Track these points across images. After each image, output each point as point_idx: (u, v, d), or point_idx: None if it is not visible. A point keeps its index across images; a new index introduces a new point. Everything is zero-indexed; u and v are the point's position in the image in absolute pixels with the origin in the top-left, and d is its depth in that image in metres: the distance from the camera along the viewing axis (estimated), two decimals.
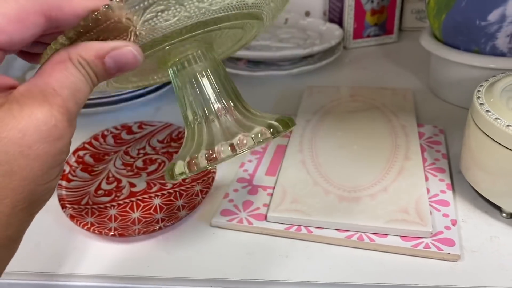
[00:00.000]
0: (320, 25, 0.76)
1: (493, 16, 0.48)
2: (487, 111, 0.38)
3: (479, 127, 0.39)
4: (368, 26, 0.75)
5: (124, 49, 0.25)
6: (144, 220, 0.41)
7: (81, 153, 0.50)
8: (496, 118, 0.37)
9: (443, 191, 0.41)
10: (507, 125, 0.36)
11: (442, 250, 0.35)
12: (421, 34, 0.60)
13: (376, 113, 0.53)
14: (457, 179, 0.44)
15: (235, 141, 0.30)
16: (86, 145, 0.51)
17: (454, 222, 0.38)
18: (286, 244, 0.38)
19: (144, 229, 0.39)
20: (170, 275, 0.36)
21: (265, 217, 0.39)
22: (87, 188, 0.46)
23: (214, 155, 0.30)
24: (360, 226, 0.37)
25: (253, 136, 0.30)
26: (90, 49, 0.24)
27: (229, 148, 0.30)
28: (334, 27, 0.74)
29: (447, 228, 0.37)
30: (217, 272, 0.36)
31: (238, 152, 0.30)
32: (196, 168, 0.31)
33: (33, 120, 0.22)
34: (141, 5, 0.24)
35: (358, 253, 0.37)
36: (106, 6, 0.23)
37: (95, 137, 0.52)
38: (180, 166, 0.31)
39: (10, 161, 0.22)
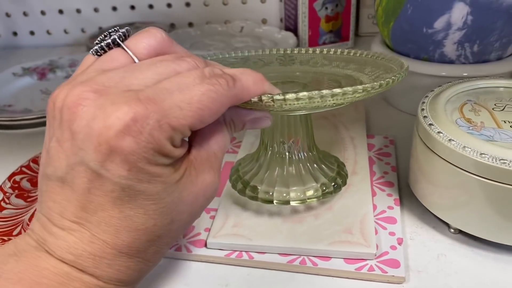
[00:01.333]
0: (276, 33, 0.75)
1: (439, 24, 0.48)
2: (430, 124, 0.37)
3: (423, 140, 0.38)
4: (323, 33, 0.74)
5: (264, 118, 0.31)
6: None
7: (17, 177, 0.47)
8: (439, 132, 0.36)
9: (390, 207, 0.40)
10: (449, 139, 0.35)
11: (387, 272, 0.34)
12: (373, 42, 0.59)
13: (325, 124, 0.51)
14: (406, 193, 0.42)
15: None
16: (24, 169, 0.48)
17: (400, 241, 0.37)
18: (226, 272, 0.36)
19: None
20: None
21: (205, 244, 0.37)
22: (20, 217, 0.43)
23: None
24: (303, 249, 0.36)
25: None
26: (240, 115, 0.29)
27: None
28: (289, 35, 0.72)
29: (393, 248, 0.36)
30: None
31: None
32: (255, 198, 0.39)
33: (204, 185, 0.27)
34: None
35: (301, 278, 0.35)
36: (270, 98, 0.28)
37: (34, 159, 0.49)
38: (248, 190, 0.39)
39: (177, 217, 0.26)
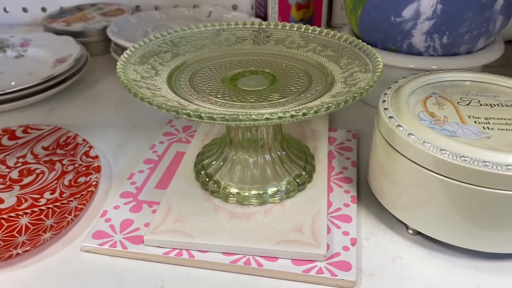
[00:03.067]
0: (244, 19, 0.71)
1: (407, 12, 0.45)
2: (390, 117, 0.34)
3: (382, 135, 0.35)
4: (294, 21, 0.71)
5: None
6: (3, 244, 0.35)
7: None
8: (398, 125, 0.33)
9: (346, 205, 0.37)
10: (409, 134, 0.32)
11: (337, 275, 0.31)
12: (342, 32, 0.56)
13: None
14: (365, 190, 0.40)
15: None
16: None
17: (353, 242, 0.34)
18: (164, 271, 0.33)
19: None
20: None
21: (143, 240, 0.34)
22: None
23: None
24: (248, 248, 0.33)
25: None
26: None
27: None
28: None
29: (345, 249, 0.33)
30: None
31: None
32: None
33: None
34: None
35: (244, 279, 0.32)
36: None
37: None
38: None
39: None
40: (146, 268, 0.33)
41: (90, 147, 0.45)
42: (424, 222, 0.34)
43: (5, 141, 0.47)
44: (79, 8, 0.76)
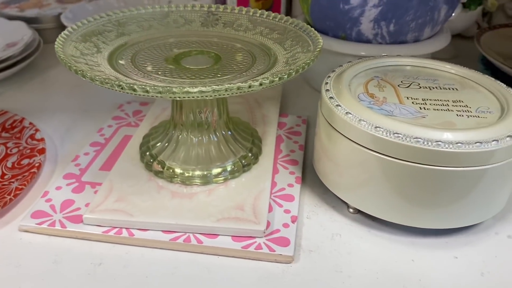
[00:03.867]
0: None
1: (355, 0, 0.46)
2: (331, 97, 0.35)
3: (323, 116, 0.36)
4: None
5: None
6: None
7: None
8: (337, 105, 0.34)
9: (290, 185, 0.38)
10: (347, 112, 0.33)
11: (275, 251, 0.31)
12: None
13: (239, 100, 0.49)
14: (310, 172, 0.41)
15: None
16: None
17: (294, 219, 0.34)
18: (103, 250, 0.32)
19: None
20: None
21: (82, 219, 0.34)
22: None
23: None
24: (188, 226, 0.33)
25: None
26: None
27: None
28: None
29: (285, 225, 0.34)
30: (14, 285, 0.30)
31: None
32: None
33: None
34: None
35: (184, 257, 0.32)
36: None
37: None
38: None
39: None
40: (85, 247, 0.33)
41: (36, 130, 0.44)
42: (363, 201, 0.35)
43: None
44: None
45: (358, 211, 0.36)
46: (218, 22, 0.42)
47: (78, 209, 0.35)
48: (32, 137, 0.43)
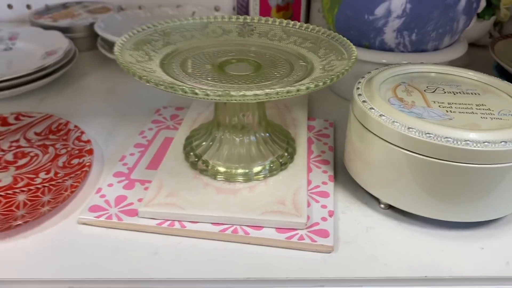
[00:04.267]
0: None
1: (380, 11, 0.49)
2: (364, 101, 0.38)
3: (356, 118, 0.39)
4: None
5: None
6: (2, 217, 0.37)
7: None
8: (371, 108, 0.37)
9: (324, 183, 0.41)
10: (380, 115, 0.36)
11: (316, 241, 0.34)
12: None
13: (269, 105, 0.52)
14: (341, 171, 0.43)
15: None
16: None
17: (331, 213, 0.37)
18: (157, 241, 0.35)
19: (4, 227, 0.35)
20: (27, 276, 0.32)
21: (137, 213, 0.37)
22: None
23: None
24: (235, 218, 0.36)
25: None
26: None
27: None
28: None
29: (324, 219, 0.37)
30: (78, 271, 0.33)
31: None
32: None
33: None
34: None
35: (232, 247, 0.35)
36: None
37: None
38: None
39: None
40: (141, 238, 0.36)
41: (82, 132, 0.47)
42: (394, 196, 0.37)
43: None
44: (64, 6, 0.78)
45: (389, 207, 0.39)
46: (253, 32, 0.45)
47: (131, 204, 0.38)
48: (78, 139, 0.47)
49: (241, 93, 0.30)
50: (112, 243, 0.35)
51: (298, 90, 0.31)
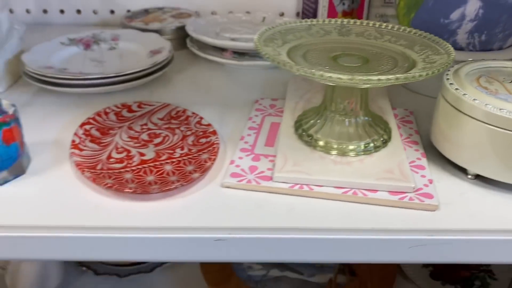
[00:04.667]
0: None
1: (454, 15, 0.57)
2: (456, 89, 0.46)
3: (449, 102, 0.46)
4: None
5: None
6: (160, 181, 0.45)
7: (87, 127, 0.53)
8: (464, 94, 0.45)
9: (418, 158, 0.49)
10: (474, 99, 0.44)
11: (423, 201, 0.42)
12: None
13: None
14: (428, 150, 0.51)
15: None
16: (91, 120, 0.54)
17: (431, 181, 0.45)
18: (291, 200, 0.43)
19: (163, 188, 0.43)
20: (188, 225, 0.40)
21: (271, 178, 0.45)
22: (99, 157, 0.49)
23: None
24: (354, 183, 0.43)
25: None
26: None
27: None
28: None
29: (426, 185, 0.44)
30: (231, 221, 0.41)
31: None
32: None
33: None
34: None
35: (353, 206, 0.43)
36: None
37: (98, 114, 0.55)
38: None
39: None
40: (277, 198, 0.44)
41: (201, 118, 0.55)
42: (483, 167, 0.45)
43: (125, 113, 0.57)
44: (147, 11, 0.87)
45: (476, 177, 0.47)
46: (350, 33, 0.53)
47: (263, 172, 0.46)
48: (199, 123, 0.55)
49: (366, 78, 0.38)
50: (253, 201, 0.43)
51: (413, 77, 0.39)
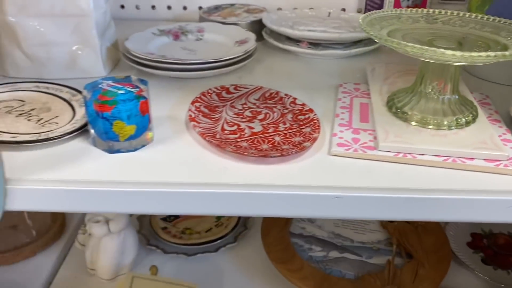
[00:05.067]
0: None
1: None
2: None
3: None
4: None
5: None
6: (275, 149, 0.51)
7: (197, 104, 0.59)
8: None
9: (504, 133, 0.53)
10: None
11: None
12: None
13: None
14: (509, 127, 0.56)
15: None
16: (198, 99, 0.60)
17: None
18: (395, 166, 0.48)
19: (282, 153, 0.49)
20: (304, 183, 0.46)
21: (375, 148, 0.50)
22: (215, 128, 0.55)
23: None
24: (453, 151, 0.48)
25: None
26: None
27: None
28: None
29: None
30: (345, 181, 0.46)
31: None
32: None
33: None
34: None
35: (453, 172, 0.48)
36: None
37: (203, 94, 0.61)
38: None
39: None
40: (383, 165, 0.49)
41: (294, 98, 0.61)
42: None
43: (224, 94, 0.63)
44: (220, 7, 0.93)
45: None
46: (437, 21, 0.59)
47: (365, 143, 0.51)
48: (293, 102, 0.60)
49: (477, 54, 0.43)
50: (361, 167, 0.48)
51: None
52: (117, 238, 0.87)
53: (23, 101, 0.59)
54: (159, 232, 0.99)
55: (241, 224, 1.02)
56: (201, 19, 0.87)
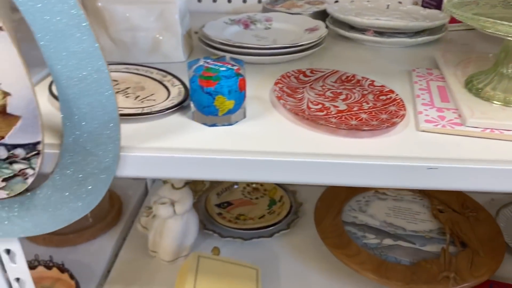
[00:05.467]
0: (421, 10, 0.90)
1: None
2: None
3: None
4: None
5: None
6: (365, 124, 0.53)
7: (279, 85, 0.62)
8: None
9: None
10: None
11: None
12: None
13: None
14: None
15: None
16: (280, 81, 0.63)
17: None
18: (483, 141, 0.51)
19: (374, 127, 0.51)
20: (391, 154, 0.49)
21: (462, 124, 0.52)
22: (301, 106, 0.58)
23: None
24: None
25: None
26: None
27: None
28: (436, 11, 0.88)
29: None
30: (437, 153, 0.48)
31: None
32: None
33: None
34: None
35: None
36: None
37: (283, 76, 0.64)
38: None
39: None
40: (471, 140, 0.51)
41: (372, 80, 0.64)
42: None
43: (302, 77, 0.66)
44: (280, 0, 0.97)
45: None
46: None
47: (451, 120, 0.53)
48: (371, 84, 0.63)
49: None
50: (450, 142, 0.51)
51: None
52: (181, 220, 0.91)
53: (116, 80, 0.63)
54: (215, 217, 1.02)
55: (293, 213, 1.05)
56: (265, 10, 0.91)
